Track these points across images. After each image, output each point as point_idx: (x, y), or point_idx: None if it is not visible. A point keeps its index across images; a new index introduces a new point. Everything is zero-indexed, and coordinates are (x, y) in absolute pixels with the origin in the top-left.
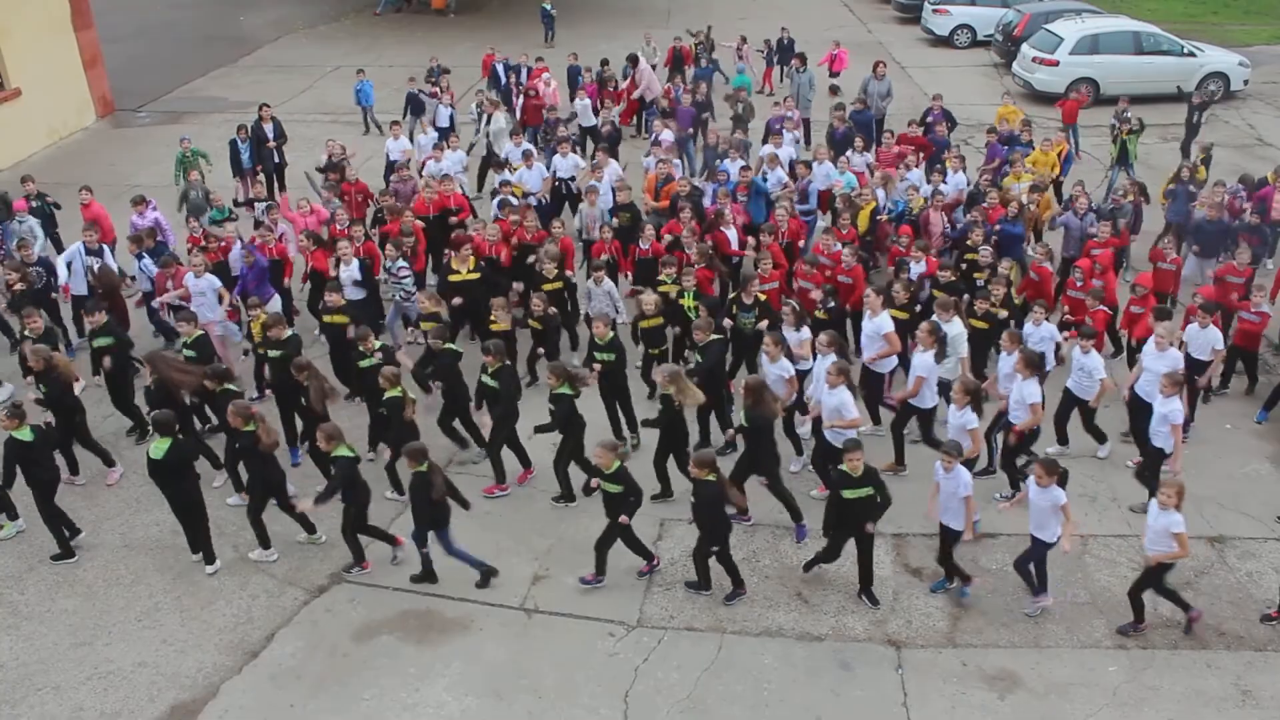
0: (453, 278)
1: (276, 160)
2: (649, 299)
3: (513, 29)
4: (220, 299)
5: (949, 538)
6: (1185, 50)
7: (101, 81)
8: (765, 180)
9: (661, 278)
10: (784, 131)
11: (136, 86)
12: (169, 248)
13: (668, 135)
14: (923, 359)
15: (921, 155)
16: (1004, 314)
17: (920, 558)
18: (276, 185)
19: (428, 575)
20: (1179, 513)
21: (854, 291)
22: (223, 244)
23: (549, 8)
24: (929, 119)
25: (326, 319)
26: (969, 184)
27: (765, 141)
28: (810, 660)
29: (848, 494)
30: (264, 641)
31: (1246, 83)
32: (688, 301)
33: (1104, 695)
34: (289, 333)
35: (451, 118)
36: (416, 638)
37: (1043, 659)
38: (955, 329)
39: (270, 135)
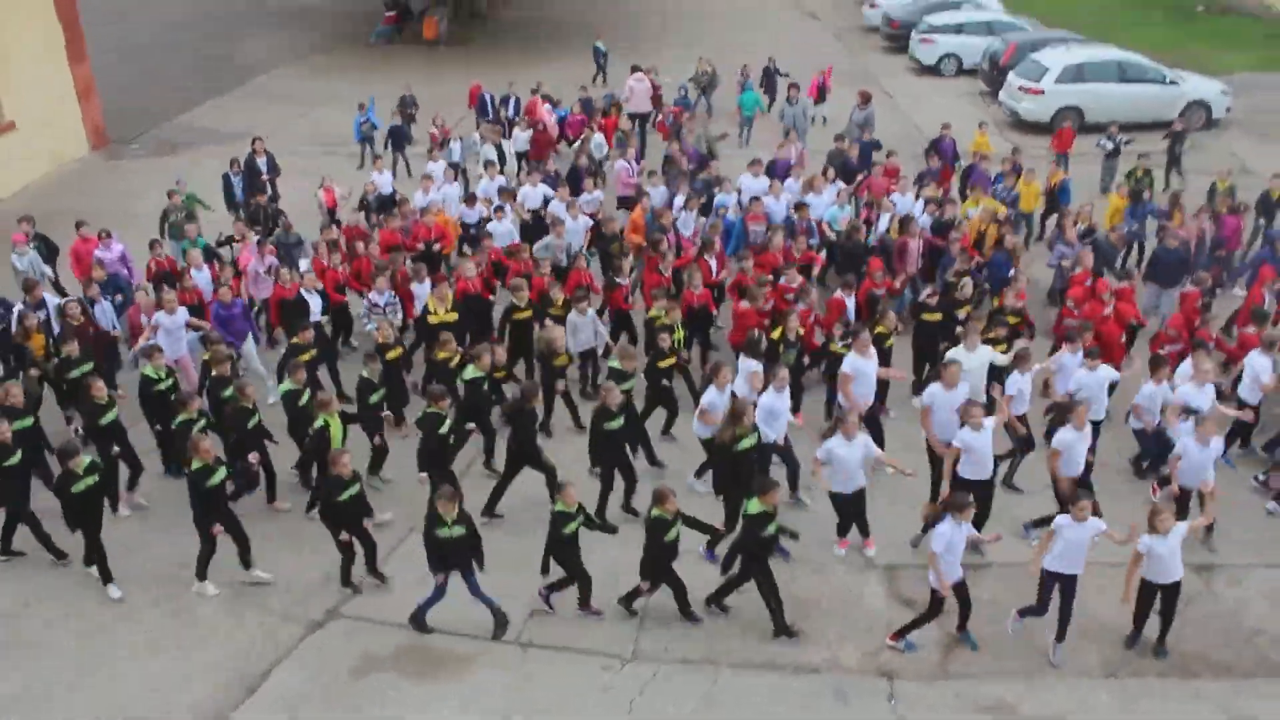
0: (431, 319)
1: (270, 193)
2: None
3: (502, 59)
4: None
5: None
6: (1168, 79)
7: (95, 113)
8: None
9: (655, 312)
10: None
11: (130, 117)
12: (131, 282)
13: (623, 163)
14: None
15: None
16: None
17: (912, 589)
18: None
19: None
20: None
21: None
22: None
23: (601, 45)
24: (940, 146)
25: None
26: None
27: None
28: (805, 692)
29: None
30: (262, 677)
31: (1229, 110)
32: (679, 334)
33: None
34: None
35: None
36: (414, 672)
37: (1036, 689)
38: (978, 358)
39: (264, 169)
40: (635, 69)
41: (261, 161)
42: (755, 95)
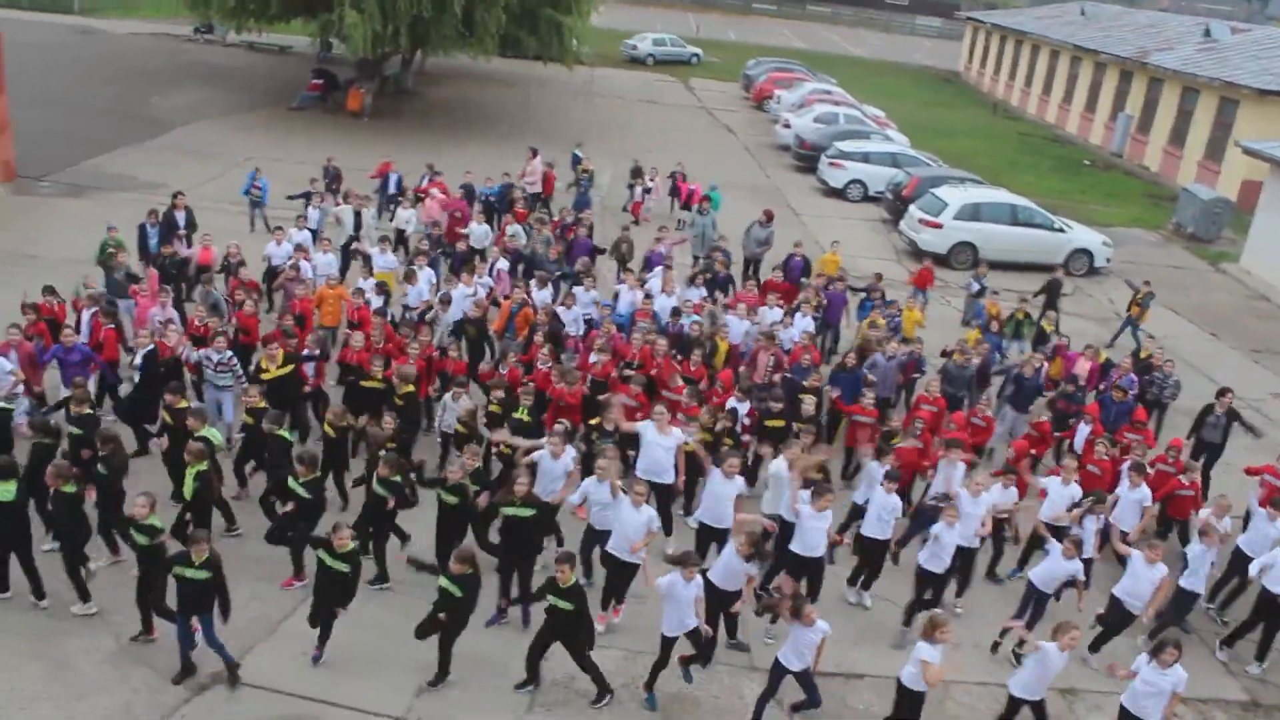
0: (263, 375)
1: (186, 248)
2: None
3: (424, 138)
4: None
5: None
6: (1056, 226)
7: (7, 148)
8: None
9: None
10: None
11: (42, 157)
12: None
13: (504, 263)
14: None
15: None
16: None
17: None
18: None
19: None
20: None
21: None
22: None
23: (579, 153)
24: (790, 264)
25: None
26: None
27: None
28: None
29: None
30: None
31: (1109, 260)
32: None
33: None
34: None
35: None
36: None
37: None
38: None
39: (181, 224)
40: (535, 151)
41: (180, 216)
42: (718, 195)
